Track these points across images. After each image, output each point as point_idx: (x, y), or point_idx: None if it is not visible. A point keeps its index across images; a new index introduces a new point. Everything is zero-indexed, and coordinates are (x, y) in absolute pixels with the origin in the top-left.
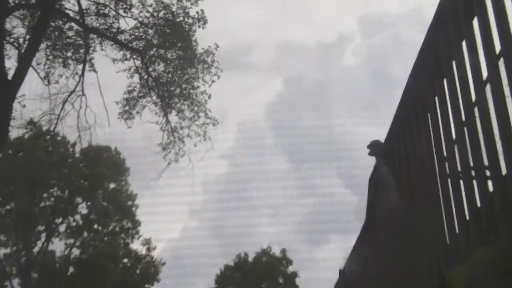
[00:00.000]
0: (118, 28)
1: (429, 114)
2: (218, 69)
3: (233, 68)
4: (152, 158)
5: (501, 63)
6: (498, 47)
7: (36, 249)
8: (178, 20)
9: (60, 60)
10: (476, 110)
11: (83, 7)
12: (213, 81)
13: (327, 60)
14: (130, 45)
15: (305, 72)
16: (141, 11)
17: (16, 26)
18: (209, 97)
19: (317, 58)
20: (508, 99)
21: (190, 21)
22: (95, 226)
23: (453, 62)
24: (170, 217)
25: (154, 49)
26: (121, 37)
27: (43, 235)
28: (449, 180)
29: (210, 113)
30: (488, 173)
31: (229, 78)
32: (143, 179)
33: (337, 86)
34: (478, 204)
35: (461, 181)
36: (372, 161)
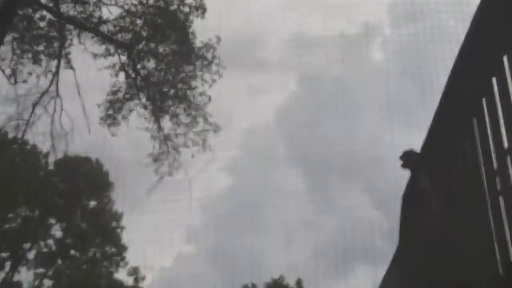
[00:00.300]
0: (100, 17)
1: (474, 119)
2: (220, 67)
3: (238, 66)
4: (141, 171)
5: None
6: None
7: None
8: (172, 8)
9: (29, 55)
10: None
11: None
12: (214, 81)
13: (350, 56)
14: (114, 37)
15: (323, 69)
16: None
17: None
18: (209, 99)
19: (338, 53)
20: None
21: (186, 9)
22: (72, 252)
23: (504, 57)
24: (163, 241)
25: (143, 43)
26: (104, 29)
27: (8, 264)
28: (500, 197)
29: (211, 118)
30: None
31: (233, 77)
32: (130, 196)
33: (362, 85)
34: None
35: None
36: (405, 174)
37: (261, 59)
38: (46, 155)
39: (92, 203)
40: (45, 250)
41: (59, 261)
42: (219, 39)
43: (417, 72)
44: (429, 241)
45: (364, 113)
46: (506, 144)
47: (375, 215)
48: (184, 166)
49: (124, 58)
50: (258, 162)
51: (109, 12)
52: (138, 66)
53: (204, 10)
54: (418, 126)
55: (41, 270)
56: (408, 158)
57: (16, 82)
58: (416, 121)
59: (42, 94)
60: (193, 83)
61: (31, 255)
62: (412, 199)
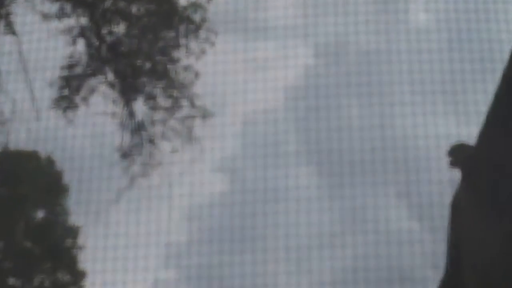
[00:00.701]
0: None
1: None
2: (211, 33)
3: (236, 32)
4: (106, 171)
5: None
6: None
7: None
8: None
9: None
10: None
11: None
12: (203, 52)
13: (383, 19)
14: None
15: (347, 37)
16: None
17: None
18: (197, 76)
19: (367, 15)
20: None
21: None
22: (11, 280)
23: None
24: (135, 264)
25: (110, 0)
26: None
27: None
28: None
29: (199, 100)
30: None
31: (230, 47)
32: (91, 205)
33: (398, 58)
34: None
35: None
36: (455, 174)
37: (265, 24)
38: None
39: (40, 214)
40: None
41: None
42: None
43: (472, 41)
44: (481, 268)
45: (401, 95)
46: None
47: (414, 229)
48: (163, 165)
49: (84, 21)
50: (261, 160)
51: None
52: (103, 32)
53: None
54: (472, 112)
55: None
56: (459, 154)
57: None
58: (470, 105)
59: None
60: (176, 55)
61: None
62: (464, 208)
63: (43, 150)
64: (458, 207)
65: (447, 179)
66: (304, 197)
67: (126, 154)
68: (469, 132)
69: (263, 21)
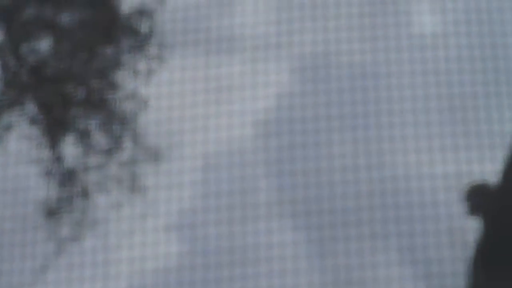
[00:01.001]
0: None
1: None
2: (163, 48)
3: (194, 46)
4: (25, 235)
5: None
6: None
7: None
8: None
9: None
10: None
11: None
12: (151, 73)
13: (380, 20)
14: None
15: (334, 47)
16: None
17: None
18: (145, 105)
19: (360, 18)
20: None
21: None
22: None
23: None
24: None
25: (32, 7)
26: None
27: None
28: None
29: (146, 138)
30: None
31: (186, 65)
32: (10, 277)
33: (399, 71)
34: None
35: None
36: (475, 223)
37: (231, 34)
38: None
39: None
40: None
41: None
42: (162, 1)
43: (494, 48)
44: None
45: (403, 120)
46: None
47: None
48: (101, 224)
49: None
50: (226, 214)
51: None
52: (23, 48)
53: None
54: (494, 142)
55: None
56: (479, 198)
57: None
58: (492, 132)
59: None
60: (117, 77)
61: None
62: (491, 264)
63: None
64: (481, 260)
65: (459, 228)
66: (284, 257)
67: (52, 211)
68: (483, 169)
69: (228, 30)
